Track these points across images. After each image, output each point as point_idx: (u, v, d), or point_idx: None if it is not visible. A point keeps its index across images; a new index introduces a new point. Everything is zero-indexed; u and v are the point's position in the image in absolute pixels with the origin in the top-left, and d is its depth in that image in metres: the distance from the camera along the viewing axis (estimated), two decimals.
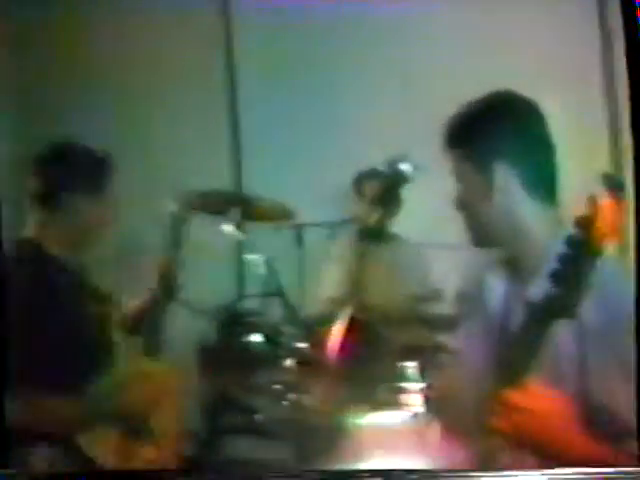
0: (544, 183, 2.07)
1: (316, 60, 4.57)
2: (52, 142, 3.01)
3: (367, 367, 3.41)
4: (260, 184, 4.40)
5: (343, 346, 2.92)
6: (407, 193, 2.92)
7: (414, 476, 2.05)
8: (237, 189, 4.69)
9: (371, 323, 3.63)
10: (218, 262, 4.32)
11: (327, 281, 4.26)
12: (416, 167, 2.43)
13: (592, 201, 1.75)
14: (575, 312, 1.77)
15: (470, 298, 2.33)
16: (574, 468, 1.88)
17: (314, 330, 3.55)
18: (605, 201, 1.76)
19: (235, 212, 3.78)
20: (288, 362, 3.45)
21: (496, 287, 2.14)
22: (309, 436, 3.11)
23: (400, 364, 3.39)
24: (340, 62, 4.53)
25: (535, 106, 2.10)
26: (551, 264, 1.78)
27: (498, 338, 2.06)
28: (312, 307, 4.03)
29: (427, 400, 3.22)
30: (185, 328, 3.63)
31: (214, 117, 4.78)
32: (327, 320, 3.52)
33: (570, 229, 1.79)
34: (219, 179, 4.61)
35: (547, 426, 1.82)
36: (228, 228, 3.79)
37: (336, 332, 2.97)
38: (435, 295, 3.82)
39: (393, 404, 3.25)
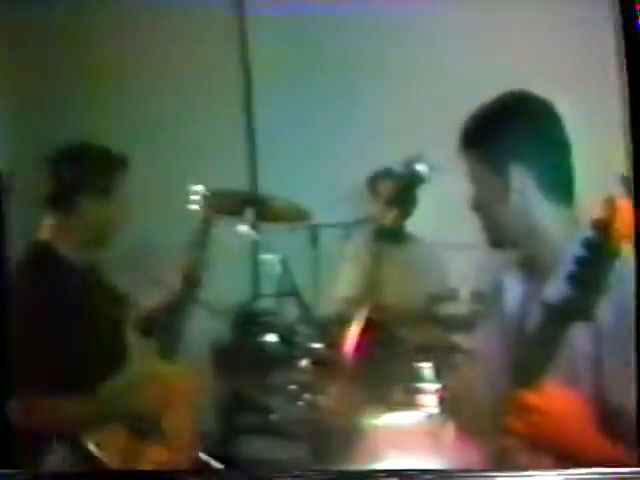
0: (560, 184, 2.06)
1: (332, 60, 4.57)
2: (65, 142, 3.00)
3: (382, 367, 3.41)
4: (275, 184, 4.40)
5: (358, 346, 2.93)
6: (422, 193, 2.92)
7: (429, 476, 2.05)
8: (252, 189, 4.70)
9: (386, 323, 3.63)
10: (233, 262, 4.32)
11: (342, 281, 4.26)
12: (432, 167, 2.42)
13: (609, 202, 1.75)
14: (593, 315, 1.77)
15: (486, 298, 2.33)
16: (589, 468, 1.87)
17: (329, 330, 3.55)
18: (622, 202, 1.75)
19: (250, 212, 3.77)
20: (303, 362, 3.45)
21: (512, 287, 2.13)
22: (324, 436, 3.11)
23: (415, 364, 3.39)
24: (355, 62, 4.53)
25: (550, 106, 2.09)
26: (568, 265, 1.78)
27: (514, 338, 2.05)
28: (327, 307, 4.03)
29: (442, 401, 3.21)
30: (200, 328, 3.63)
31: (229, 117, 4.79)
32: (342, 320, 3.52)
33: (587, 230, 1.79)
34: (235, 179, 4.62)
35: (563, 427, 1.82)
36: (243, 228, 3.79)
37: (351, 332, 2.97)
38: (450, 295, 3.82)
39: (408, 404, 3.24)
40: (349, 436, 2.76)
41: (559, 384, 1.82)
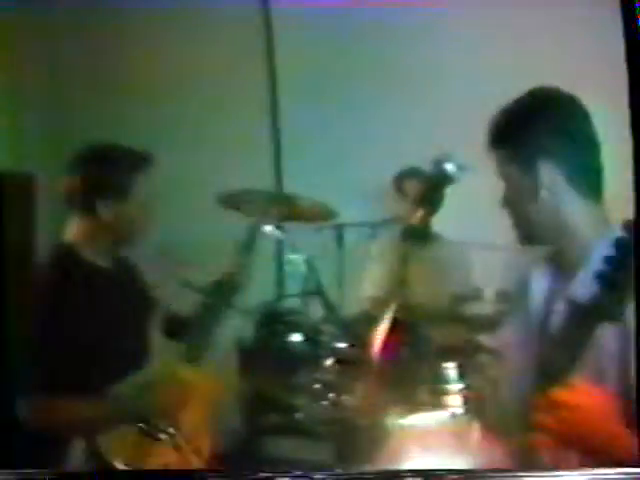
0: (589, 181, 2.05)
1: (357, 59, 4.57)
2: (89, 143, 3.00)
3: (407, 367, 3.40)
4: (301, 184, 4.40)
5: (384, 346, 2.91)
6: (448, 192, 2.91)
7: (455, 476, 2.04)
8: (278, 189, 4.70)
9: (412, 323, 3.62)
10: (258, 261, 4.32)
11: (367, 281, 4.25)
12: (460, 167, 2.41)
13: None
14: (621, 315, 1.76)
15: (511, 297, 2.32)
16: (617, 468, 1.86)
17: (354, 330, 3.54)
18: None
19: (276, 212, 3.77)
20: (328, 362, 3.44)
21: (538, 284, 2.12)
22: (349, 436, 3.10)
23: (440, 364, 3.38)
24: (382, 62, 4.52)
25: (579, 102, 2.08)
26: (595, 263, 1.77)
27: (539, 336, 2.04)
28: (352, 307, 4.03)
29: (467, 400, 3.20)
30: (225, 328, 3.63)
31: (255, 116, 4.79)
32: (367, 320, 3.51)
33: (615, 228, 1.77)
34: (260, 179, 4.62)
35: (592, 423, 1.81)
36: (269, 228, 3.78)
37: (377, 332, 2.96)
38: (475, 295, 3.80)
39: (433, 404, 3.23)
40: (374, 436, 2.76)
41: (586, 380, 1.81)
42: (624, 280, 1.75)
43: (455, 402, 3.25)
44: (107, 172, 2.91)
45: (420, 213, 2.50)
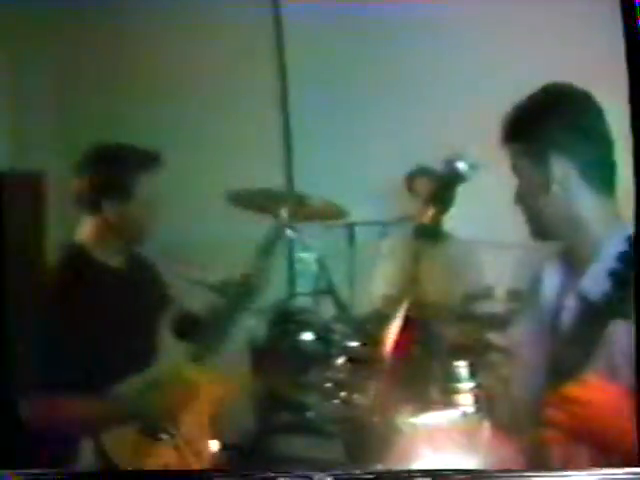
0: (602, 175, 2.05)
1: (367, 58, 4.56)
2: (99, 143, 3.00)
3: (419, 366, 3.40)
4: (311, 183, 4.40)
5: (395, 344, 2.91)
6: (459, 191, 2.91)
7: (465, 476, 2.04)
8: (289, 188, 4.70)
9: (424, 322, 3.61)
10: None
11: (379, 279, 4.25)
12: (471, 165, 2.41)
13: None
14: (632, 312, 1.76)
15: (523, 294, 2.32)
16: (625, 468, 1.85)
17: (365, 328, 3.54)
18: None
19: (287, 211, 3.76)
20: (339, 360, 3.44)
21: (551, 281, 2.12)
22: (360, 435, 3.10)
23: (452, 363, 3.37)
24: (392, 60, 4.52)
25: (592, 98, 2.08)
26: (607, 260, 1.77)
27: (551, 333, 2.04)
28: (363, 305, 4.02)
29: (478, 399, 3.20)
30: (237, 327, 3.63)
31: (265, 115, 4.79)
32: (379, 318, 3.51)
33: (627, 223, 1.77)
34: (271, 178, 4.62)
35: (604, 418, 1.81)
36: (280, 227, 3.78)
37: (389, 330, 2.96)
38: (487, 293, 3.79)
39: (445, 403, 3.23)
40: (385, 435, 2.76)
41: (599, 376, 1.81)
42: (637, 277, 1.75)
43: (466, 401, 3.25)
44: (114, 172, 2.91)
45: (431, 212, 2.50)
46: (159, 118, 4.52)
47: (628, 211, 2.00)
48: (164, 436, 2.76)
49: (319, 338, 3.56)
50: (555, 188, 2.04)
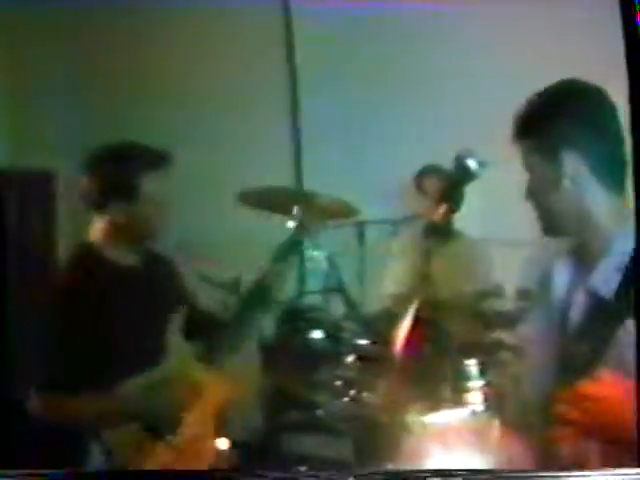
0: (613, 172, 2.05)
1: (377, 58, 4.57)
2: (109, 142, 3.00)
3: (429, 364, 3.39)
4: (321, 182, 4.40)
5: (405, 343, 2.91)
6: (469, 189, 2.91)
7: (475, 476, 2.04)
8: (298, 186, 4.70)
9: (434, 320, 3.61)
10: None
11: (389, 278, 4.25)
12: (481, 163, 2.41)
13: None
14: None
15: (534, 292, 2.31)
16: (636, 469, 1.85)
17: (375, 326, 3.54)
18: None
19: (297, 209, 3.76)
20: (349, 358, 3.44)
21: (561, 278, 2.12)
22: (370, 433, 3.10)
23: (462, 361, 3.37)
24: (401, 60, 4.52)
25: (605, 94, 2.07)
26: (616, 256, 1.77)
27: (561, 330, 2.04)
28: (373, 304, 4.02)
29: (488, 398, 3.19)
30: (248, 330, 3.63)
31: (275, 115, 4.80)
32: (388, 317, 3.51)
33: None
34: (281, 177, 4.63)
35: (617, 415, 1.81)
36: (290, 225, 3.77)
37: (399, 329, 2.96)
38: (497, 292, 3.79)
39: (455, 402, 3.23)
40: (394, 433, 2.75)
41: (611, 374, 1.81)
42: None
43: (476, 399, 3.25)
44: (120, 172, 2.90)
45: (442, 210, 2.50)
46: (171, 118, 4.53)
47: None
48: (168, 436, 2.76)
49: (329, 336, 3.56)
50: (566, 184, 2.04)
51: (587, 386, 1.80)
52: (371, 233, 4.33)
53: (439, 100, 4.36)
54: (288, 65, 4.81)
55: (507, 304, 3.66)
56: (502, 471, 2.03)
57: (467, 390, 3.30)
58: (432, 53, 4.41)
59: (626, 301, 1.77)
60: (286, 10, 4.75)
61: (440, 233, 2.53)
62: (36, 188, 4.35)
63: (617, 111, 2.06)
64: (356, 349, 3.47)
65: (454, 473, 2.05)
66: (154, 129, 4.24)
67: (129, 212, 2.91)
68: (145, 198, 2.91)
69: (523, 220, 2.21)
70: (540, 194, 2.10)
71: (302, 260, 4.41)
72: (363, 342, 3.49)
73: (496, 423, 2.20)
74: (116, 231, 2.94)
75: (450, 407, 3.13)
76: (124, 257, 2.98)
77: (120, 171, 2.90)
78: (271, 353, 3.64)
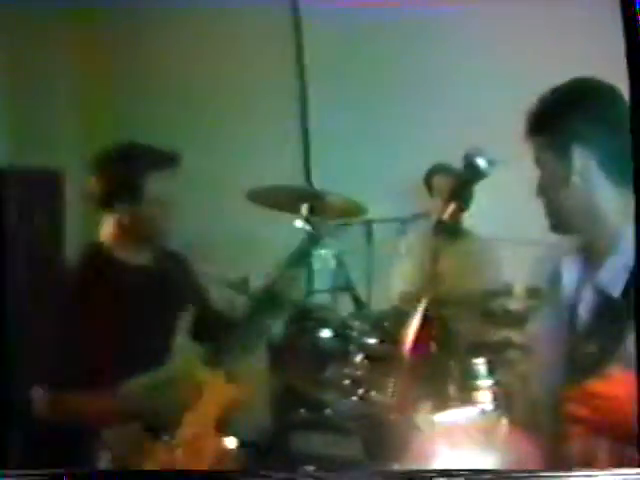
0: (621, 168, 2.04)
1: (385, 57, 4.57)
2: (117, 142, 2.99)
3: (437, 363, 3.39)
4: (330, 181, 4.41)
5: (414, 342, 2.90)
6: (478, 188, 2.90)
7: (483, 476, 2.03)
8: (307, 185, 4.70)
9: (443, 319, 3.61)
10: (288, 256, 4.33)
11: (397, 276, 4.25)
12: (490, 162, 2.40)
13: None
14: None
15: (542, 291, 2.30)
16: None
17: (383, 325, 3.53)
18: None
19: (305, 208, 3.76)
20: (357, 357, 3.44)
21: (569, 276, 2.11)
22: (378, 432, 3.09)
23: (471, 360, 3.36)
24: (410, 58, 4.52)
25: (619, 92, 2.07)
26: (624, 252, 1.76)
27: (569, 328, 2.03)
28: (381, 302, 4.02)
29: (497, 396, 3.19)
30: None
31: (284, 114, 4.80)
32: (397, 315, 3.51)
33: None
34: (290, 176, 4.63)
35: (627, 413, 1.80)
36: (298, 223, 3.77)
37: (407, 328, 2.95)
38: (505, 290, 3.78)
39: (464, 401, 3.22)
40: (403, 432, 2.75)
41: (622, 372, 1.81)
42: None
43: (485, 398, 3.24)
44: (125, 172, 2.89)
45: (451, 209, 2.49)
46: (180, 118, 4.55)
47: None
48: (168, 436, 2.76)
49: (337, 335, 3.55)
50: (576, 180, 2.03)
51: (597, 384, 1.80)
52: (379, 232, 4.33)
53: (448, 99, 4.36)
54: (297, 65, 4.81)
55: (516, 303, 3.65)
56: (511, 471, 2.02)
57: (475, 389, 3.29)
58: (441, 52, 4.41)
59: (634, 299, 1.77)
60: (295, 10, 4.75)
61: (449, 232, 2.52)
62: (42, 187, 4.36)
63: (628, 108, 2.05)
64: (364, 348, 3.47)
65: (462, 473, 2.04)
66: (162, 129, 4.25)
67: (134, 212, 2.91)
68: (151, 198, 2.90)
69: (532, 219, 2.21)
70: (551, 191, 2.10)
71: (310, 259, 4.42)
72: (371, 341, 3.49)
73: (505, 422, 2.19)
74: (123, 231, 2.94)
75: (458, 406, 3.13)
76: (133, 256, 2.98)
77: (126, 171, 2.89)
78: (279, 352, 3.64)
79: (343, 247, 4.00)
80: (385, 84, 4.54)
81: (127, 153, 2.93)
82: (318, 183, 4.66)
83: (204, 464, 2.75)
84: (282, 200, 3.77)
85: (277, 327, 3.72)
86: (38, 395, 2.76)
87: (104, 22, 4.56)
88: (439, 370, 3.35)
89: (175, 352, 2.94)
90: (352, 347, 3.48)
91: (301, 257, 3.27)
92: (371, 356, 3.43)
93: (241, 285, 3.60)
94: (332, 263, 3.90)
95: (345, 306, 3.84)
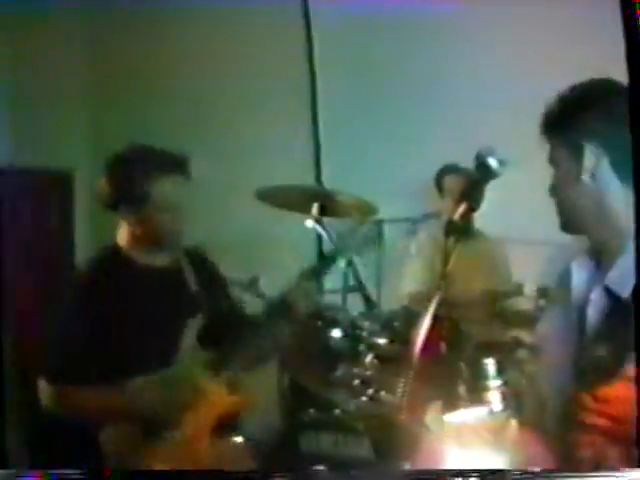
0: (632, 166, 2.03)
1: (396, 57, 4.57)
2: (128, 144, 2.99)
3: (447, 363, 3.39)
4: (340, 180, 4.41)
5: (424, 342, 2.90)
6: (489, 188, 2.90)
7: (493, 476, 2.03)
8: (318, 185, 4.70)
9: (453, 319, 3.61)
10: (298, 257, 4.33)
11: (407, 276, 4.25)
12: (502, 162, 2.40)
13: None
14: None
15: (552, 291, 2.30)
16: None
17: (393, 325, 3.53)
18: None
19: (316, 207, 3.76)
20: (367, 357, 3.43)
21: (579, 277, 2.11)
22: (387, 432, 3.09)
23: (481, 360, 3.36)
24: (420, 58, 4.52)
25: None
26: (635, 253, 1.76)
27: (579, 330, 2.03)
28: (392, 302, 4.02)
29: (506, 397, 3.18)
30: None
31: (295, 114, 4.81)
32: (407, 316, 3.51)
33: None
34: (300, 175, 4.63)
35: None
36: (309, 223, 3.77)
37: (417, 328, 2.95)
38: (516, 291, 3.77)
39: (473, 401, 3.22)
40: (412, 432, 2.75)
41: (631, 373, 1.80)
42: None
43: (494, 398, 3.23)
44: (132, 176, 2.90)
45: (462, 209, 2.49)
46: (189, 117, 4.55)
47: None
48: (168, 436, 2.76)
49: (347, 335, 3.55)
50: (587, 178, 2.03)
51: (608, 388, 1.79)
52: (390, 232, 4.32)
53: (459, 98, 4.36)
54: (307, 64, 4.81)
55: (526, 303, 3.65)
56: (520, 471, 2.02)
57: (485, 389, 3.28)
58: (452, 52, 4.41)
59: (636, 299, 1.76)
60: (305, 9, 4.76)
61: (460, 232, 2.51)
62: (54, 188, 4.38)
63: None
64: (374, 348, 3.46)
65: (471, 473, 2.04)
66: (171, 129, 4.26)
67: (142, 215, 2.92)
68: (160, 201, 2.91)
69: (543, 219, 2.20)
70: (563, 190, 2.10)
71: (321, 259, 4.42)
72: (381, 341, 3.48)
73: (514, 423, 2.19)
74: (136, 233, 2.95)
75: (468, 406, 3.12)
76: (145, 257, 3.00)
77: (134, 175, 2.90)
78: (289, 352, 3.64)
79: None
80: (396, 84, 4.54)
81: (136, 157, 2.94)
82: (328, 183, 4.66)
83: (204, 464, 2.76)
84: (292, 200, 3.76)
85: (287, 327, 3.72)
86: (44, 387, 2.79)
87: (113, 22, 4.57)
88: (449, 370, 3.35)
89: (182, 354, 2.94)
90: (362, 347, 3.47)
91: (316, 273, 3.24)
92: (381, 356, 3.43)
93: (250, 285, 3.60)
94: (342, 263, 3.89)
95: (355, 306, 3.83)
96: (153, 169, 2.90)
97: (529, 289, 3.67)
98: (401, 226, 4.32)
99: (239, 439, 2.91)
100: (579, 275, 2.11)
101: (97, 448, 2.73)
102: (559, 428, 1.93)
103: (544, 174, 2.13)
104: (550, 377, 2.11)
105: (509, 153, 2.33)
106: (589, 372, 1.84)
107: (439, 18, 4.29)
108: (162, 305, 2.96)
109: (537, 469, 1.98)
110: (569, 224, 2.12)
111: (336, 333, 3.57)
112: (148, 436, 2.76)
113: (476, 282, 4.00)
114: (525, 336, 3.48)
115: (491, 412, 2.98)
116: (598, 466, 1.89)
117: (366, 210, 3.95)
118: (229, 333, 3.08)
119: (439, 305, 2.67)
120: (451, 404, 3.05)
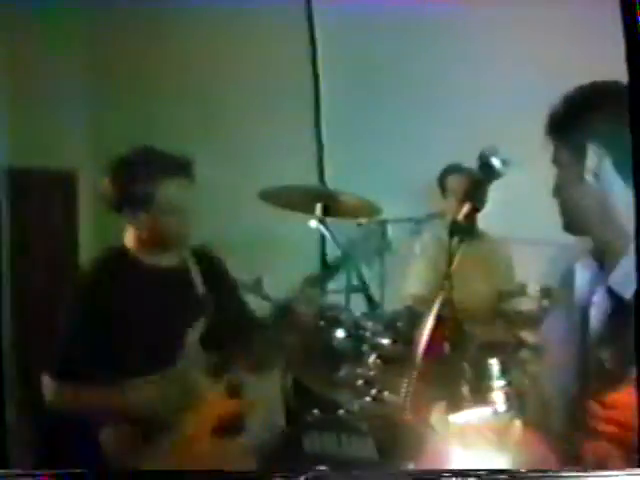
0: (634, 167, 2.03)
1: (400, 57, 4.56)
2: (131, 145, 2.99)
3: (451, 363, 3.38)
4: (344, 180, 4.41)
5: (427, 342, 2.90)
6: (492, 188, 2.90)
7: (496, 476, 2.03)
8: (321, 185, 4.70)
9: (456, 319, 3.60)
10: (301, 257, 4.33)
11: (411, 277, 4.24)
12: (505, 162, 2.40)
13: None
14: None
15: (556, 292, 2.30)
16: None
17: (397, 326, 3.53)
18: None
19: (319, 208, 3.76)
20: (370, 358, 3.43)
21: (582, 277, 2.11)
22: (391, 432, 3.09)
23: (484, 361, 3.36)
24: (424, 57, 4.51)
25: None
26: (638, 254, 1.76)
27: (583, 331, 2.03)
28: (395, 303, 4.01)
29: (510, 397, 3.18)
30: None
31: (298, 114, 4.81)
32: (411, 316, 3.50)
33: None
34: (303, 175, 4.63)
35: None
36: (312, 223, 3.77)
37: (420, 328, 2.95)
38: (519, 291, 3.77)
39: (477, 401, 3.21)
40: (416, 432, 2.75)
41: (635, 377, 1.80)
42: None
43: (498, 399, 3.23)
44: (141, 178, 2.90)
45: (465, 209, 2.49)
46: (192, 117, 4.55)
47: None
48: (168, 436, 2.77)
49: (350, 335, 3.55)
50: (590, 178, 2.03)
51: (616, 394, 1.79)
52: (393, 232, 4.32)
53: (462, 99, 4.35)
54: (310, 65, 4.81)
55: (529, 303, 3.65)
56: (524, 471, 2.02)
57: (489, 390, 3.28)
58: (454, 52, 4.40)
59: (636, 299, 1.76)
60: (309, 11, 4.75)
61: (463, 232, 2.51)
62: (58, 188, 4.38)
63: None
64: (378, 348, 3.46)
65: (475, 473, 2.04)
66: (175, 129, 4.26)
67: (148, 218, 2.92)
68: (164, 204, 2.92)
69: (546, 219, 2.20)
70: (567, 190, 2.10)
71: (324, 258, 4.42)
72: (385, 341, 3.48)
73: (518, 423, 2.19)
74: (141, 235, 2.95)
75: (471, 406, 3.12)
76: (150, 258, 3.00)
77: (137, 178, 2.90)
78: (293, 352, 3.64)
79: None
80: (399, 84, 4.54)
81: (139, 159, 2.94)
82: (332, 183, 4.66)
83: (204, 464, 2.76)
84: (296, 200, 3.77)
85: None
86: (48, 383, 2.80)
87: (113, 22, 4.57)
88: (452, 371, 3.34)
89: (184, 356, 2.94)
90: (365, 347, 3.47)
91: (320, 280, 3.24)
92: (384, 356, 3.42)
93: (254, 287, 3.60)
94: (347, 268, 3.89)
95: (359, 306, 3.83)
96: (157, 172, 2.90)
97: (532, 289, 3.67)
98: (405, 226, 4.32)
99: (241, 439, 2.90)
100: (582, 275, 2.11)
101: (98, 447, 2.73)
102: (562, 428, 1.93)
103: (547, 174, 2.13)
104: (553, 377, 2.11)
105: (512, 153, 2.33)
106: (593, 374, 1.83)
107: (443, 18, 4.28)
108: (167, 305, 2.96)
109: (541, 469, 1.99)
110: (572, 224, 2.12)
111: (339, 333, 3.57)
112: (148, 436, 2.75)
113: (480, 282, 4.00)
114: (528, 336, 3.47)
115: (495, 412, 2.98)
116: (601, 462, 1.89)
117: (369, 210, 3.95)
118: (233, 336, 3.08)
119: (442, 305, 2.67)
120: (454, 404, 3.04)
